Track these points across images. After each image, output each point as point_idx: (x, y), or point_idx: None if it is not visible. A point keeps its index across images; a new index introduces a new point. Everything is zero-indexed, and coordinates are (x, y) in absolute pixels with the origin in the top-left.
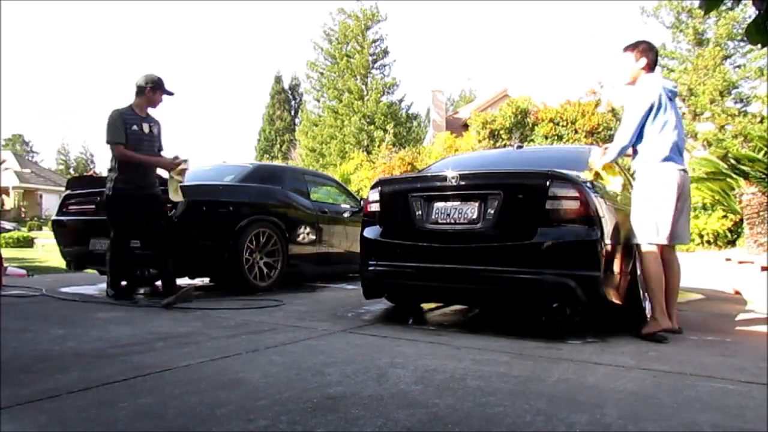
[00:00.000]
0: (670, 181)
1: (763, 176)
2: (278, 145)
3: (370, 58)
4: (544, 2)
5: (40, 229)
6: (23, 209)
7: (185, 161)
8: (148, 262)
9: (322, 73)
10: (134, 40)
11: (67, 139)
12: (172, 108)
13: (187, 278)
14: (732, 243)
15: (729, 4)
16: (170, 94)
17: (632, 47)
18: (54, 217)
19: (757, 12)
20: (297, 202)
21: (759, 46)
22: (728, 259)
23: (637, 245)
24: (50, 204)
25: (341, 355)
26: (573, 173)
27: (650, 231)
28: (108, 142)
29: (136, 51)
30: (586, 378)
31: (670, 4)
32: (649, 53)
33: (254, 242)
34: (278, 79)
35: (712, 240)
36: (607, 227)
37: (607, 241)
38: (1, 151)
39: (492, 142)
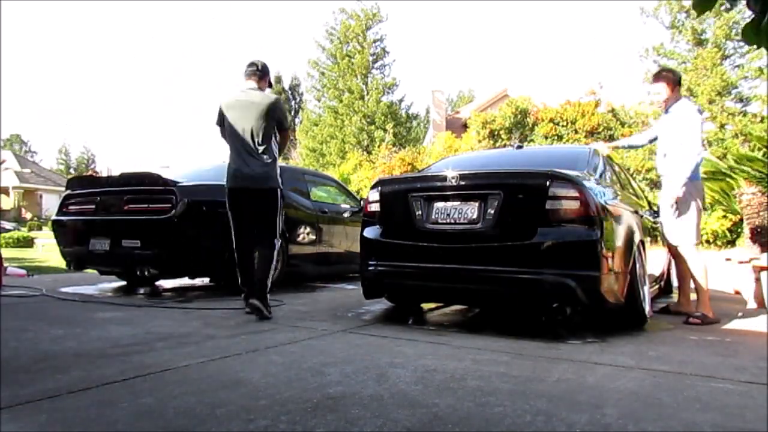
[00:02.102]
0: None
1: (763, 176)
2: None
3: (371, 58)
4: (544, 2)
5: (40, 229)
6: (23, 209)
7: None
8: (148, 261)
9: (323, 73)
10: (134, 40)
11: (67, 139)
12: (173, 109)
13: (187, 278)
14: (732, 243)
15: (726, 5)
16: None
17: (661, 78)
18: (54, 217)
19: (753, 13)
20: (297, 202)
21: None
22: (728, 259)
23: (680, 248)
24: (50, 204)
25: (341, 355)
26: (573, 173)
27: (697, 234)
28: (287, 128)
29: (136, 51)
30: (586, 378)
31: (669, 4)
32: (678, 82)
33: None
34: (278, 79)
35: (711, 240)
36: (607, 227)
37: (607, 240)
38: (1, 151)
39: (492, 142)
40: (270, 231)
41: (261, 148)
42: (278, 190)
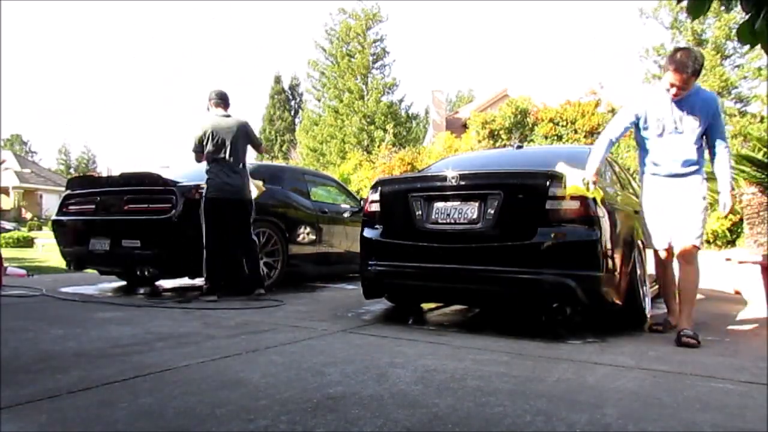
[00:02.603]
0: None
1: (763, 176)
2: (278, 145)
3: (371, 58)
4: (544, 2)
5: (40, 229)
6: (23, 209)
7: None
8: (148, 261)
9: (323, 73)
10: (134, 40)
11: (68, 139)
12: (173, 109)
13: (187, 278)
14: (732, 243)
15: (725, 6)
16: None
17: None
18: (54, 217)
19: (747, 14)
20: (297, 202)
21: (757, 46)
22: (728, 259)
23: (693, 248)
24: (50, 204)
25: (341, 355)
26: None
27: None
28: (261, 143)
29: (136, 51)
30: (586, 378)
31: (670, 4)
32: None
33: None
34: (278, 79)
35: (711, 240)
36: (607, 227)
37: (607, 240)
38: (1, 151)
39: (492, 142)
40: (248, 232)
41: (239, 166)
42: (251, 200)
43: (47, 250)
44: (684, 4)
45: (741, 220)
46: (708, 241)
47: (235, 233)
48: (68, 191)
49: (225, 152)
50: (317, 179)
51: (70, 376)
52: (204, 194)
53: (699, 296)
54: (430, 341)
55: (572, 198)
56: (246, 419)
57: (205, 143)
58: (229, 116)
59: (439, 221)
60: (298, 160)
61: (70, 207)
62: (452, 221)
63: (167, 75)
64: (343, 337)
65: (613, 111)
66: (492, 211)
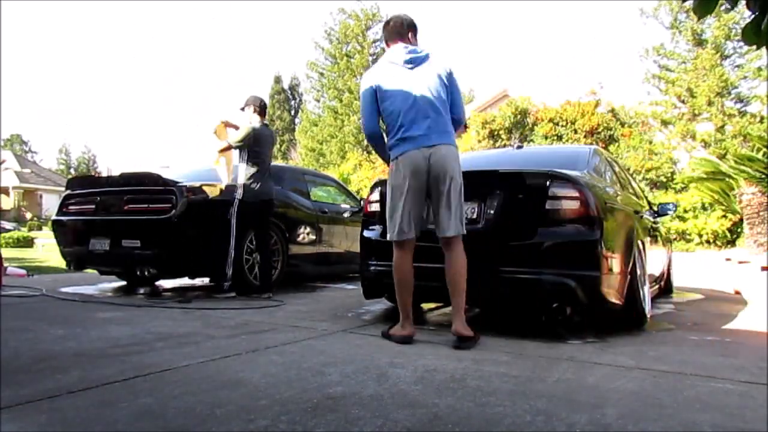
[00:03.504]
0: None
1: (763, 176)
2: (278, 145)
3: (371, 58)
4: (544, 2)
5: (40, 229)
6: (23, 209)
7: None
8: (148, 261)
9: (322, 73)
10: (133, 40)
11: (68, 139)
12: (173, 109)
13: (187, 278)
14: (732, 243)
15: (727, 5)
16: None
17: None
18: (54, 217)
19: (752, 14)
20: (297, 202)
21: (756, 46)
22: (728, 259)
23: (455, 237)
24: (50, 204)
25: (341, 355)
26: (573, 173)
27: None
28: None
29: (136, 51)
30: (586, 378)
31: (669, 4)
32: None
33: (254, 242)
34: (278, 79)
35: (711, 240)
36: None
37: (607, 240)
38: (1, 151)
39: (492, 142)
40: (269, 233)
41: (269, 170)
42: (273, 199)
43: (47, 250)
44: (689, 4)
45: (741, 220)
46: (708, 241)
47: (259, 232)
48: (68, 191)
49: (264, 159)
50: (317, 179)
51: (70, 376)
52: (240, 197)
53: (699, 296)
54: (430, 341)
55: (572, 198)
56: (246, 419)
57: (249, 144)
58: (267, 125)
59: None
60: (298, 160)
61: (70, 207)
62: None
63: (167, 75)
64: (343, 337)
65: (613, 111)
66: (492, 211)
